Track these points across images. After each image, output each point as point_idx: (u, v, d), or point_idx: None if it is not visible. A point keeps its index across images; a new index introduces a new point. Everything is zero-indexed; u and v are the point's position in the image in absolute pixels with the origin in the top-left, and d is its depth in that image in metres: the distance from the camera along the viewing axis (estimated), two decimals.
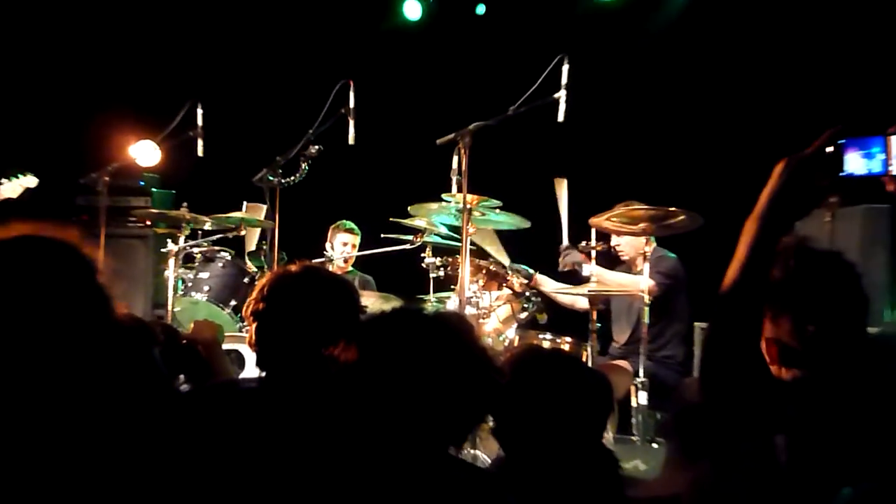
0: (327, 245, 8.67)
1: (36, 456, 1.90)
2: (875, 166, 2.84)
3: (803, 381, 2.91)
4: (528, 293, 7.58)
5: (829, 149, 2.84)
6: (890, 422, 2.63)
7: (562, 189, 8.30)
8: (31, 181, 8.38)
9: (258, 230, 8.65)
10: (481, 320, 7.24)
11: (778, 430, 2.85)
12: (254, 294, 3.92)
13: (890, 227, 7.49)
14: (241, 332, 7.54)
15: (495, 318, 7.38)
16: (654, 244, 7.47)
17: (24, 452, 1.90)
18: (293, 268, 4.01)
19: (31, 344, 1.92)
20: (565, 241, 8.33)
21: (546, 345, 7.30)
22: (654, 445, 6.78)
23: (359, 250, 8.71)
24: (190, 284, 8.02)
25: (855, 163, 2.85)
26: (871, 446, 2.68)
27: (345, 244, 8.65)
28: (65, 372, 1.92)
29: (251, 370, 6.99)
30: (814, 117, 8.32)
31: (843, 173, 2.84)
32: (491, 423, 3.24)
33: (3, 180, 8.45)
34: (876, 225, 7.57)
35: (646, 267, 7.24)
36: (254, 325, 3.84)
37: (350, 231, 8.70)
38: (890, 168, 2.83)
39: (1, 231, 2.07)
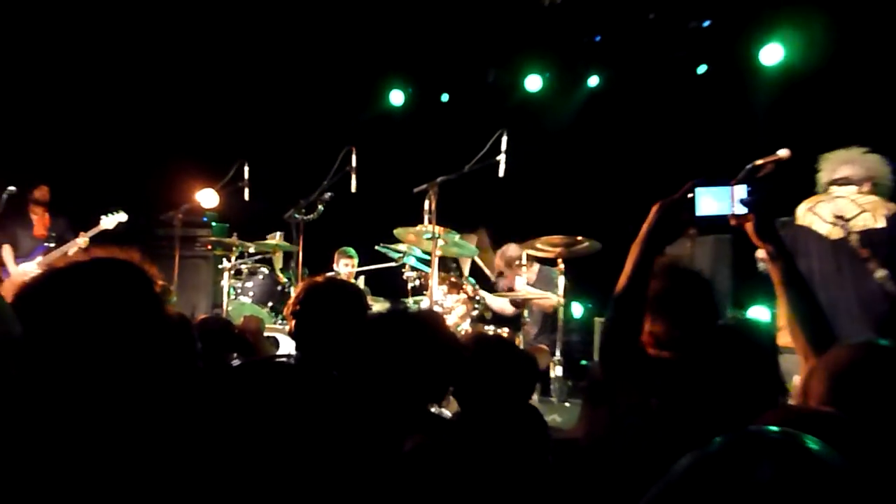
0: (334, 265, 8.67)
1: (112, 415, 1.82)
2: (723, 208, 2.88)
3: (671, 361, 2.94)
4: (477, 297, 7.61)
5: (690, 195, 2.87)
6: (732, 386, 2.66)
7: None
8: (122, 217, 8.44)
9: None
10: (445, 316, 7.26)
11: (653, 394, 2.87)
12: (292, 298, 3.94)
13: (731, 252, 7.55)
14: (275, 324, 7.55)
15: (455, 315, 7.38)
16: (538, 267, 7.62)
17: (101, 412, 1.81)
18: (319, 279, 4.03)
19: (107, 331, 1.85)
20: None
21: (491, 333, 7.33)
22: (567, 405, 6.84)
23: (358, 266, 8.71)
24: (239, 291, 8.09)
25: (708, 205, 2.89)
26: (719, 405, 2.71)
27: (346, 264, 8.65)
28: (130, 352, 1.88)
29: (284, 350, 7.03)
30: (679, 172, 8.37)
31: (700, 212, 2.88)
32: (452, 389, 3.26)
33: (103, 216, 8.43)
34: (722, 250, 7.64)
35: (560, 282, 7.28)
36: (292, 322, 3.84)
37: (350, 255, 8.70)
38: (733, 209, 2.87)
39: (97, 253, 2.03)
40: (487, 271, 8.80)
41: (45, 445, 1.68)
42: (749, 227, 2.94)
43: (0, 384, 1.66)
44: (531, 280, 7.85)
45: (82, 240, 8.35)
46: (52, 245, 8.50)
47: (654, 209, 2.92)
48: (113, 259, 1.98)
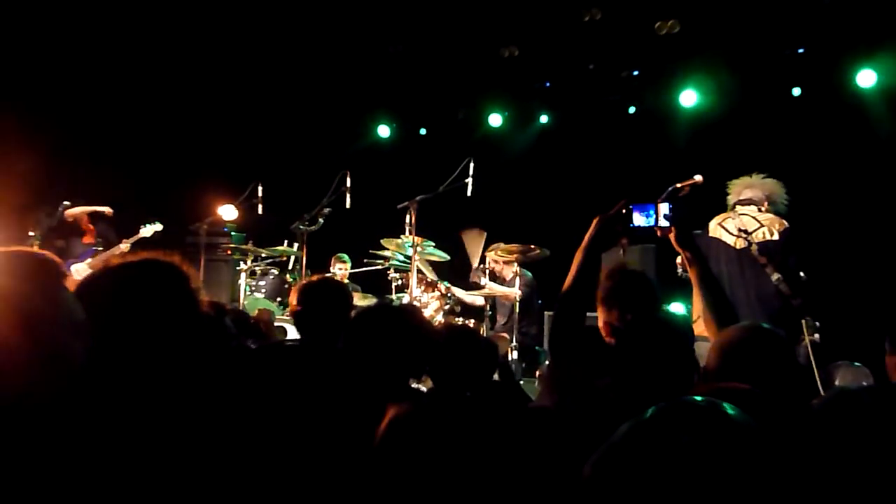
0: (330, 268, 8.65)
1: (158, 384, 1.79)
2: (650, 221, 2.93)
3: (620, 346, 2.97)
4: (449, 295, 7.62)
5: (623, 210, 2.93)
6: (672, 366, 2.68)
7: (472, 239, 8.48)
8: (158, 227, 8.38)
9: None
10: (423, 310, 7.27)
11: (605, 373, 2.90)
12: (293, 294, 3.93)
13: (655, 258, 7.59)
14: (283, 315, 7.55)
15: (431, 309, 7.39)
16: (517, 267, 7.59)
17: (145, 386, 1.77)
18: (314, 277, 4.03)
19: (153, 320, 1.82)
20: (474, 265, 8.45)
21: (459, 324, 7.37)
22: (522, 383, 6.85)
23: (350, 269, 8.70)
24: (253, 288, 8.06)
25: (638, 219, 2.94)
26: (649, 381, 2.74)
27: (340, 268, 8.62)
28: (171, 338, 1.83)
29: (290, 337, 7.03)
30: (612, 193, 8.45)
31: (631, 224, 2.93)
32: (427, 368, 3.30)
33: (142, 226, 8.41)
34: (647, 256, 7.67)
35: (517, 281, 7.33)
36: (296, 309, 3.85)
37: (343, 260, 8.66)
38: (658, 223, 2.93)
39: (136, 256, 1.99)
40: (474, 262, 8.74)
41: (107, 410, 1.65)
42: (671, 237, 3.01)
43: (69, 360, 1.59)
44: (507, 278, 7.84)
45: (125, 245, 8.33)
46: (100, 249, 8.47)
47: (595, 222, 2.98)
48: (158, 260, 1.97)
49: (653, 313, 3.15)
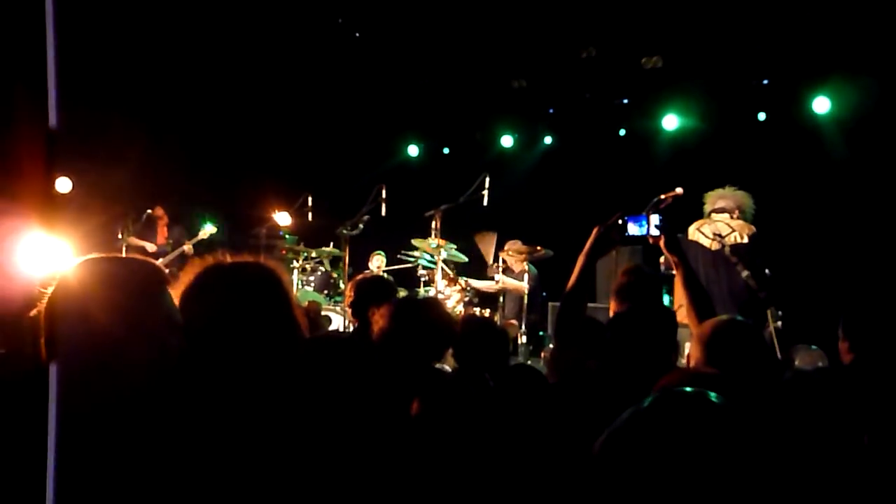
0: (369, 263, 8.64)
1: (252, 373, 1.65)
2: (643, 231, 2.91)
3: (611, 332, 2.95)
4: (468, 289, 7.61)
5: (619, 221, 2.90)
6: (654, 349, 2.66)
7: (484, 239, 8.42)
8: (213, 229, 8.40)
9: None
10: (445, 301, 7.26)
11: (593, 357, 2.88)
12: (349, 290, 3.90)
13: (642, 258, 7.49)
14: (329, 305, 7.55)
15: (452, 301, 7.39)
16: (526, 264, 7.56)
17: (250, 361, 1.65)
18: (366, 275, 4.00)
19: (257, 318, 1.67)
20: (489, 262, 8.40)
21: (477, 313, 7.36)
22: (529, 363, 6.82)
23: (385, 265, 8.68)
24: (304, 282, 8.05)
25: (632, 229, 2.91)
26: (638, 362, 2.71)
27: (378, 266, 8.62)
28: (270, 336, 1.68)
29: (335, 325, 7.03)
30: (607, 204, 8.43)
31: (627, 234, 2.91)
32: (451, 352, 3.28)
33: (200, 230, 8.45)
34: (635, 257, 7.57)
35: (525, 275, 7.29)
36: (350, 298, 3.81)
37: (380, 255, 8.67)
38: (650, 232, 2.90)
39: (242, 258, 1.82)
40: (488, 259, 8.68)
41: (203, 401, 1.56)
42: (661, 243, 2.98)
43: (168, 356, 1.54)
44: (526, 270, 7.66)
45: (187, 246, 8.35)
46: (168, 250, 8.50)
47: (594, 231, 2.96)
48: (259, 263, 1.83)
49: (649, 307, 3.14)
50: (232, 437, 1.52)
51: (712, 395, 1.05)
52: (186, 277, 1.70)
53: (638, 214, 2.94)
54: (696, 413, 1.01)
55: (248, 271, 1.77)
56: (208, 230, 8.42)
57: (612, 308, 3.35)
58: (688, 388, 1.09)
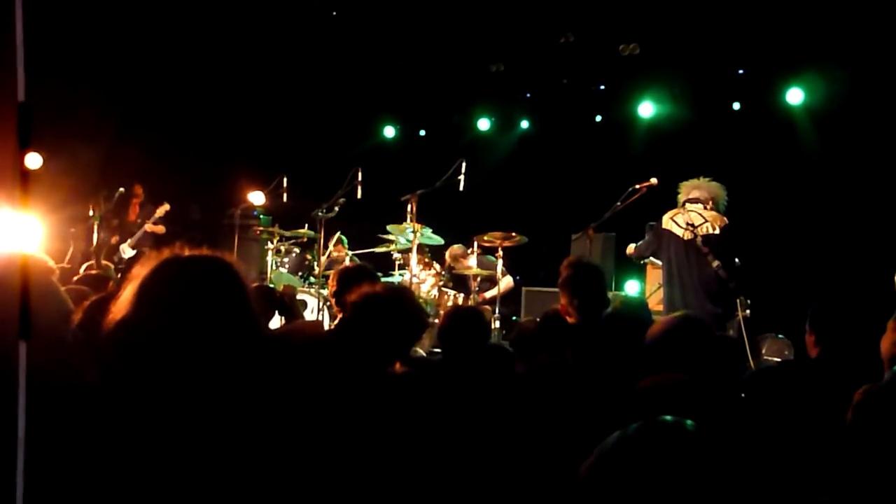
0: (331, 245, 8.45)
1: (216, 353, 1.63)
2: None
3: (577, 325, 3.00)
4: (442, 273, 7.63)
5: None
6: (625, 343, 2.71)
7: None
8: (166, 206, 8.42)
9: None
10: (420, 285, 7.27)
11: (568, 349, 2.92)
12: (332, 280, 3.89)
13: (615, 245, 7.55)
14: (303, 287, 7.50)
15: (427, 285, 7.40)
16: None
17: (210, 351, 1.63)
18: (350, 265, 3.98)
19: (210, 311, 1.65)
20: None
21: (451, 295, 7.41)
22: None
23: (353, 250, 8.39)
24: (279, 264, 7.97)
25: None
26: (609, 354, 2.76)
27: (337, 250, 8.18)
28: (229, 325, 1.64)
29: (311, 309, 7.02)
30: (581, 189, 8.52)
31: None
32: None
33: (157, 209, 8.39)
34: (608, 244, 7.62)
35: (499, 263, 7.32)
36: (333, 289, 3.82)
37: (340, 242, 8.22)
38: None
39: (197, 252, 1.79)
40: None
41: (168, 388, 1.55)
42: None
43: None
44: (474, 264, 7.71)
45: (148, 225, 8.33)
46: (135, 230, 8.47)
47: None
48: (217, 256, 1.78)
49: (601, 300, 3.22)
50: (183, 432, 1.51)
51: (688, 422, 1.17)
52: (141, 270, 1.69)
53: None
54: (675, 442, 1.12)
55: (205, 265, 1.74)
56: (162, 209, 8.36)
57: (561, 300, 3.38)
58: (668, 418, 1.20)
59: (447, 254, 7.93)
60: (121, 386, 1.54)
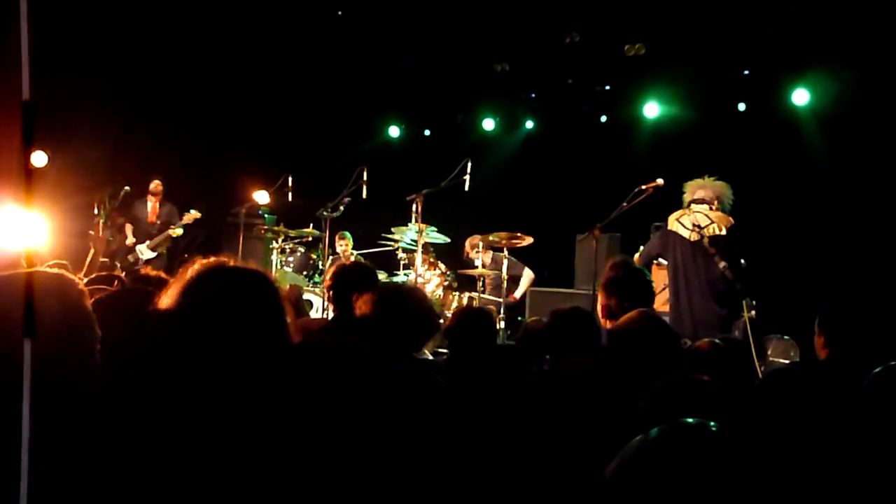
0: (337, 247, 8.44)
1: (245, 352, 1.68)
2: None
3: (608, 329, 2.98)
4: (448, 272, 7.62)
5: None
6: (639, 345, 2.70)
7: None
8: (197, 214, 8.32)
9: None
10: (425, 285, 7.27)
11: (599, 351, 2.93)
12: (328, 277, 3.88)
13: (620, 245, 7.56)
14: (308, 287, 7.50)
15: (432, 285, 7.40)
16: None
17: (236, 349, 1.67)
18: (346, 262, 3.99)
19: (256, 316, 1.73)
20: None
21: (457, 297, 7.40)
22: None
23: (358, 249, 8.46)
24: (283, 263, 7.99)
25: None
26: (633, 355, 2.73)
27: (341, 245, 8.27)
28: (264, 335, 1.72)
29: (317, 309, 7.00)
30: (586, 189, 8.50)
31: None
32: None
33: (185, 213, 8.40)
34: (613, 244, 7.64)
35: (504, 262, 7.30)
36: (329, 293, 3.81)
37: (344, 238, 8.36)
38: None
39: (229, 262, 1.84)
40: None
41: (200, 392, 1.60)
42: None
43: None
44: (486, 262, 7.66)
45: (172, 230, 8.33)
46: (155, 232, 8.46)
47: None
48: (260, 271, 1.87)
49: (650, 304, 3.21)
50: (212, 435, 1.54)
51: (712, 424, 1.16)
52: (186, 274, 1.75)
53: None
54: (700, 444, 1.11)
55: (249, 276, 1.81)
56: (191, 216, 8.34)
57: (601, 300, 3.36)
58: (690, 420, 1.19)
59: (467, 242, 7.76)
60: (159, 381, 1.61)
